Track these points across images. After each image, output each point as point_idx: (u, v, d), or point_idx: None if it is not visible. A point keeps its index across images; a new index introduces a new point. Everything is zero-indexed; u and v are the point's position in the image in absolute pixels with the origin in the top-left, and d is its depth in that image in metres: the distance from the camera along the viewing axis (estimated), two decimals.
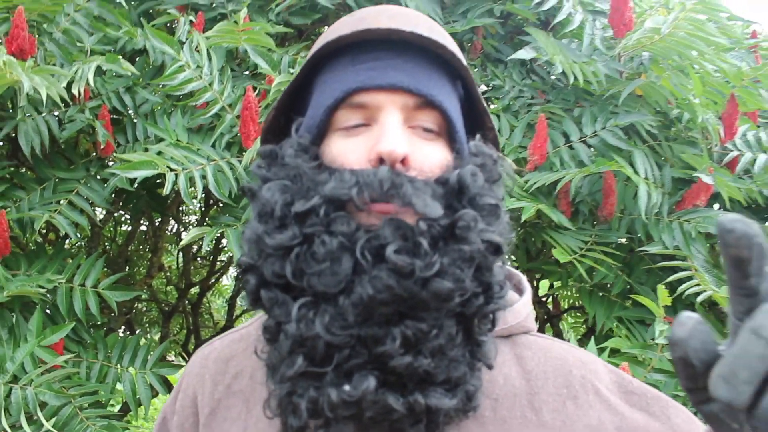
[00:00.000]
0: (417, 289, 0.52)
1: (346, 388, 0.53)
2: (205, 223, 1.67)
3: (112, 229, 3.10)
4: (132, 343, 1.62)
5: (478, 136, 0.64)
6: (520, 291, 0.72)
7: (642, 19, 1.66)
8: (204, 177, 1.37)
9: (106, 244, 3.09)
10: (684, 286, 1.39)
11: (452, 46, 0.63)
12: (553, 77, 1.74)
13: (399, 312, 0.54)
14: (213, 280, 3.76)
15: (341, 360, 0.54)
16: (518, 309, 0.67)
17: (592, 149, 1.57)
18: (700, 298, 1.37)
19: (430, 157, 0.59)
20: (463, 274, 0.54)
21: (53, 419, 1.37)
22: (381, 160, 0.57)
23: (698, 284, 1.41)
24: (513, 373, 0.65)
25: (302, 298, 0.55)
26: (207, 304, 4.86)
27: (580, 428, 0.62)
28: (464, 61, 0.63)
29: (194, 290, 3.72)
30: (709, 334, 0.39)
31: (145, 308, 4.03)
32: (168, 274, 4.16)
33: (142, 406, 1.62)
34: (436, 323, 0.54)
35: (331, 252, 0.53)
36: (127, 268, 3.30)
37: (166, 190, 1.29)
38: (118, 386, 1.58)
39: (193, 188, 1.39)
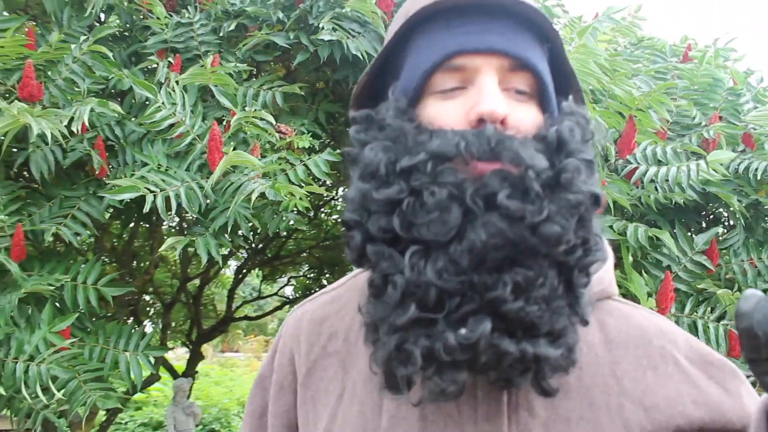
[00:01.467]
0: (528, 234, 0.54)
1: (462, 331, 0.55)
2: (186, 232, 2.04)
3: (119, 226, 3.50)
4: (126, 330, 2.01)
5: (570, 96, 0.66)
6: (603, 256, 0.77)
7: None
8: (178, 196, 1.75)
9: (114, 241, 3.50)
10: None
11: (542, 10, 0.66)
12: None
13: (509, 259, 0.55)
14: (213, 273, 4.17)
15: (453, 307, 0.55)
16: (601, 275, 0.69)
17: None
18: None
19: (525, 118, 0.61)
20: (568, 222, 0.56)
21: (62, 390, 1.77)
22: (481, 121, 0.59)
23: None
24: (596, 340, 0.67)
25: (412, 247, 0.57)
26: (211, 296, 5.28)
27: (660, 399, 0.65)
28: (554, 26, 0.66)
29: (195, 282, 4.13)
30: None
31: (151, 300, 4.46)
32: (173, 267, 4.58)
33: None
34: (542, 272, 0.56)
35: (440, 201, 0.55)
36: (134, 262, 3.71)
37: (146, 209, 1.67)
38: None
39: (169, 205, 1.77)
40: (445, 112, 0.62)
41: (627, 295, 1.88)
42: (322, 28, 1.97)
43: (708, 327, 1.94)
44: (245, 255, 4.40)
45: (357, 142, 0.64)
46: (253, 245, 3.89)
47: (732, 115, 2.26)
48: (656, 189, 1.97)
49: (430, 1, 0.63)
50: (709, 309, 1.98)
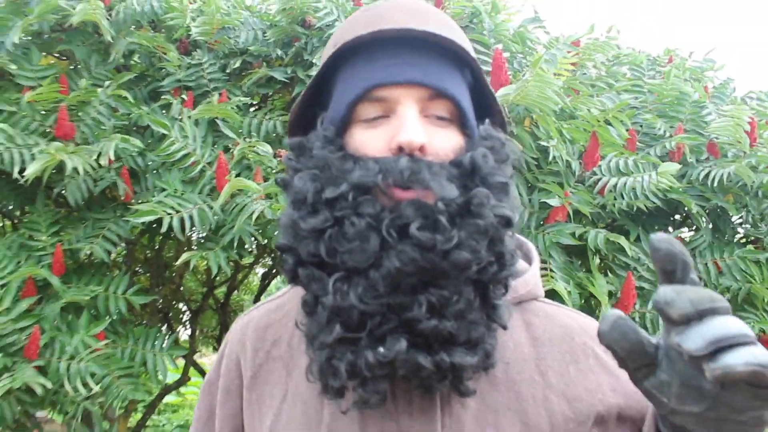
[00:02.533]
0: (438, 261, 0.61)
1: (381, 350, 0.62)
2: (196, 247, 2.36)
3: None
4: (153, 333, 2.34)
5: (487, 120, 0.72)
6: (529, 260, 0.83)
7: (517, 78, 2.25)
8: (191, 217, 2.07)
9: (147, 252, 3.86)
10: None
11: (460, 38, 0.72)
12: None
13: (423, 281, 0.62)
14: (239, 280, 4.50)
15: (374, 326, 0.62)
16: (527, 278, 0.78)
17: None
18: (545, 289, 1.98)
19: (444, 143, 0.68)
20: (479, 245, 0.63)
21: (99, 384, 2.10)
22: (401, 149, 0.65)
23: (547, 281, 2.02)
24: (522, 339, 0.75)
25: (336, 273, 0.63)
26: (240, 302, 5.63)
27: (581, 390, 0.73)
28: (472, 53, 0.72)
29: (223, 289, 4.47)
30: (628, 326, 0.51)
31: (183, 307, 4.82)
32: (202, 275, 4.93)
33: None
34: (457, 290, 0.63)
35: (360, 231, 0.62)
36: (167, 272, 4.07)
37: (164, 229, 2.00)
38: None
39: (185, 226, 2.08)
40: (370, 140, 0.68)
41: (590, 295, 2.13)
42: (315, 63, 2.27)
43: None
44: (271, 262, 4.74)
45: (289, 169, 0.71)
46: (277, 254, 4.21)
47: (697, 126, 2.48)
48: (621, 196, 2.20)
49: (351, 36, 0.69)
50: None
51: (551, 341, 0.75)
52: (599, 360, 0.74)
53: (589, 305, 2.22)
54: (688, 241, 2.40)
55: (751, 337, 0.47)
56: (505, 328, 0.69)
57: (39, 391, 1.94)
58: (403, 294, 0.62)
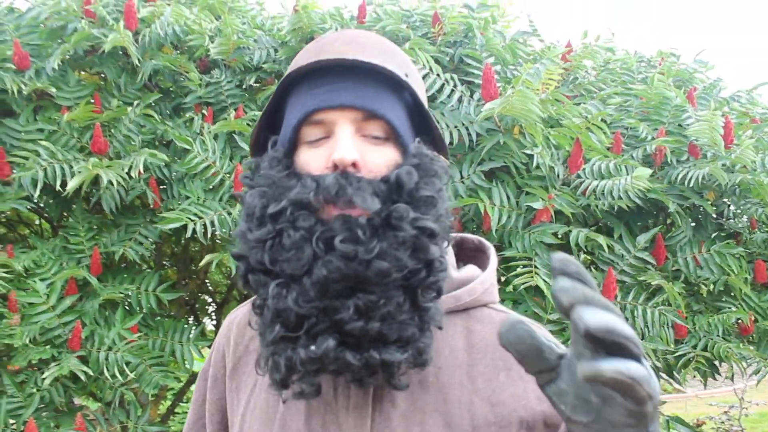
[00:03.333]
0: (362, 269, 0.68)
1: (312, 348, 0.69)
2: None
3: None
4: (180, 326, 2.62)
5: (417, 139, 0.79)
6: (484, 266, 0.89)
7: (506, 90, 2.47)
8: (213, 223, 2.34)
9: (174, 246, 4.15)
10: (519, 280, 2.24)
11: (394, 64, 0.79)
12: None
13: (351, 287, 0.69)
14: None
15: (309, 327, 0.70)
16: (474, 286, 0.84)
17: (467, 186, 2.42)
18: (523, 286, 2.22)
19: (378, 159, 0.75)
20: (400, 255, 0.69)
21: (133, 372, 2.39)
22: (336, 166, 0.73)
23: (531, 276, 2.25)
24: (459, 345, 0.81)
25: (276, 279, 0.71)
26: None
27: (506, 396, 0.78)
28: (405, 76, 0.80)
29: None
30: (525, 331, 0.55)
31: (209, 299, 5.12)
32: (227, 269, 5.22)
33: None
34: (384, 295, 0.70)
35: (295, 243, 0.70)
36: (192, 266, 4.35)
37: (188, 234, 2.27)
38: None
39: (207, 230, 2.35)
40: (313, 159, 0.76)
41: None
42: None
43: (646, 311, 2.40)
44: None
45: (244, 186, 0.79)
46: None
47: (678, 129, 2.68)
48: (603, 197, 2.41)
49: (294, 67, 0.79)
50: (646, 297, 2.44)
51: (486, 348, 0.81)
52: None
53: None
54: (666, 238, 2.61)
55: (637, 350, 0.50)
56: (439, 328, 0.76)
57: (82, 377, 2.23)
58: (333, 298, 0.70)
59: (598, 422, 0.55)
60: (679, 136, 2.66)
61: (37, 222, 2.93)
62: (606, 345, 0.50)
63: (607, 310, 0.50)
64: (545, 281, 2.25)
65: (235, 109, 2.57)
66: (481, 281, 0.85)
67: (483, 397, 0.78)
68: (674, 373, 2.55)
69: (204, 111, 2.59)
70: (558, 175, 2.44)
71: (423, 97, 0.84)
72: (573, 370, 0.54)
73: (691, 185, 2.47)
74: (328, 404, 0.79)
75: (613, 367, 0.49)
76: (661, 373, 2.56)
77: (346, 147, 0.74)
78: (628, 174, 2.43)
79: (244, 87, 2.70)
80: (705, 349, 2.49)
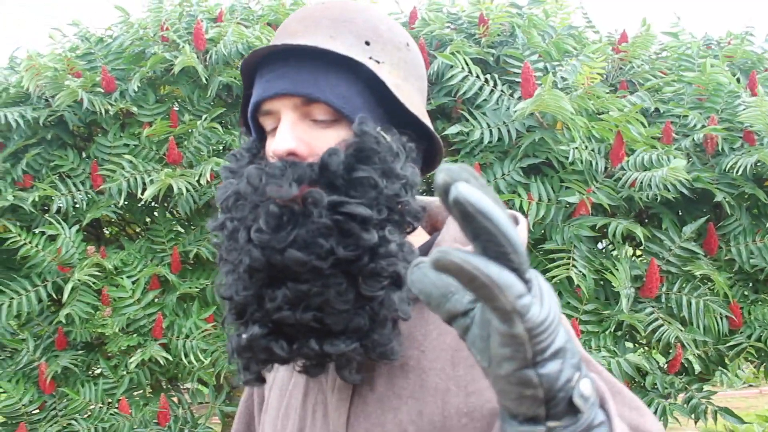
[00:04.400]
0: (278, 258, 0.68)
1: (244, 336, 0.72)
2: None
3: None
4: None
5: (360, 116, 0.75)
6: None
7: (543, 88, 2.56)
8: None
9: None
10: (554, 272, 2.34)
11: (349, 35, 0.78)
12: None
13: (281, 276, 0.69)
14: None
15: (249, 314, 0.72)
16: None
17: (507, 182, 2.53)
18: (557, 278, 2.32)
19: (326, 143, 0.74)
20: (321, 241, 0.68)
21: (209, 358, 2.70)
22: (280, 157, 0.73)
23: (567, 269, 2.35)
24: (448, 329, 0.73)
25: (225, 267, 0.75)
26: None
27: (484, 386, 0.72)
28: (366, 44, 0.78)
29: None
30: (428, 270, 0.48)
31: None
32: None
33: None
34: (318, 283, 0.69)
35: (231, 232, 0.73)
36: None
37: None
38: None
39: None
40: (269, 148, 0.78)
41: (607, 280, 2.42)
42: None
43: (690, 302, 2.43)
44: None
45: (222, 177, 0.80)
46: None
47: (731, 116, 2.66)
48: (650, 188, 2.45)
49: (247, 58, 0.79)
50: (692, 287, 2.46)
51: None
52: None
53: (604, 287, 2.50)
54: (719, 227, 2.60)
55: (517, 258, 0.45)
56: (404, 318, 0.73)
57: (162, 362, 2.57)
58: (264, 287, 0.70)
59: (490, 363, 0.50)
60: (732, 123, 2.64)
61: (126, 226, 3.32)
62: (481, 239, 0.45)
63: (496, 203, 0.45)
64: (582, 273, 2.35)
65: None
66: None
67: (460, 385, 0.74)
68: (727, 363, 2.56)
69: None
70: (598, 169, 2.51)
71: (395, 63, 0.81)
72: (484, 313, 0.49)
73: (739, 173, 2.46)
74: (320, 384, 0.82)
75: (465, 255, 0.44)
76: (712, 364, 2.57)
77: (280, 137, 0.74)
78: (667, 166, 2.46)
79: None
80: (759, 340, 2.48)
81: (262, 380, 0.78)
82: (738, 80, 3.01)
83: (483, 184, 0.46)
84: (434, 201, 0.90)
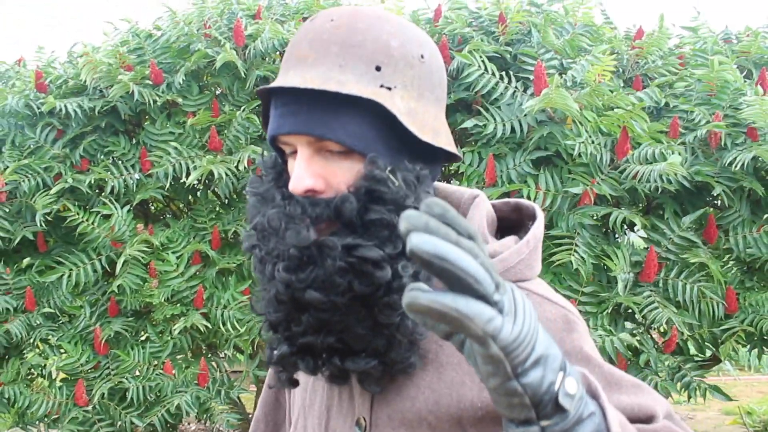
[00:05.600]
0: (300, 295, 0.75)
1: (276, 351, 0.81)
2: None
3: None
4: None
5: (370, 156, 0.77)
6: (522, 236, 0.87)
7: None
8: None
9: None
10: (557, 256, 2.58)
11: (360, 63, 0.78)
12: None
13: (306, 305, 0.76)
14: None
15: (281, 331, 0.80)
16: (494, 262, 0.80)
17: (518, 173, 2.77)
18: (558, 262, 2.56)
19: (343, 176, 0.79)
20: (340, 281, 0.74)
21: (244, 327, 3.02)
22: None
23: (569, 254, 2.58)
24: None
25: (260, 284, 0.82)
26: None
27: None
28: (377, 69, 0.79)
29: None
30: (418, 293, 0.50)
31: None
32: None
33: None
34: (337, 313, 0.76)
35: (260, 259, 0.81)
36: None
37: None
38: None
39: None
40: (291, 169, 0.81)
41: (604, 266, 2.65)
42: None
43: (686, 287, 2.65)
44: None
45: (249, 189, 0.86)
46: None
47: (735, 112, 2.84)
48: (647, 181, 2.66)
49: (267, 86, 0.82)
50: (688, 273, 2.68)
51: None
52: None
53: (606, 271, 2.73)
54: (719, 218, 2.80)
55: (481, 287, 0.51)
56: (412, 342, 0.79)
57: (203, 330, 2.90)
58: (292, 311, 0.78)
59: (480, 378, 0.57)
60: (737, 120, 2.82)
61: (171, 206, 3.65)
62: (444, 278, 0.50)
63: (456, 245, 0.50)
64: (582, 258, 2.59)
65: None
66: (502, 259, 0.83)
67: (475, 380, 0.79)
68: (719, 345, 2.77)
69: None
70: (603, 162, 2.73)
71: (407, 84, 0.81)
72: None
73: (737, 168, 2.65)
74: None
75: (432, 296, 0.50)
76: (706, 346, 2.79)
77: (298, 176, 0.77)
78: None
79: None
80: (751, 324, 2.69)
81: (295, 383, 0.87)
82: (751, 76, 3.19)
83: (446, 215, 0.51)
84: (455, 192, 0.92)
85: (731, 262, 2.79)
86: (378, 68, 0.79)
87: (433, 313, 0.50)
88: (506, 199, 0.95)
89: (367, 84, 0.78)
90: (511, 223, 0.94)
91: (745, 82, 2.94)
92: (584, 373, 0.64)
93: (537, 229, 0.87)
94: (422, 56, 0.83)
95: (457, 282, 0.50)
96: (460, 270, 0.49)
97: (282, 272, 0.76)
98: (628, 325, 2.76)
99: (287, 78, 0.80)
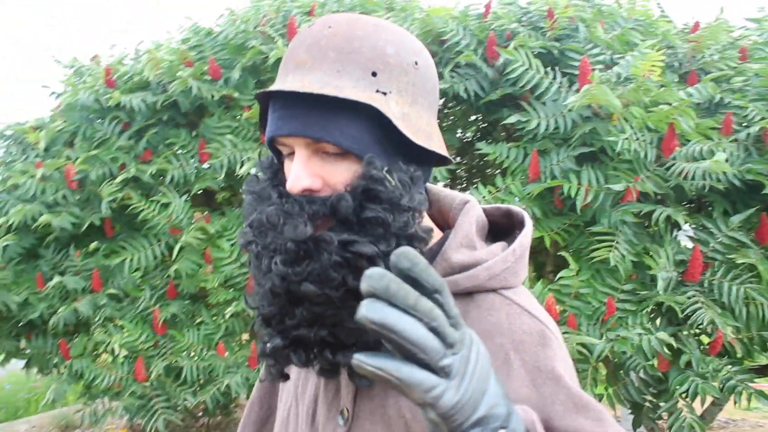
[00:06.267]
0: (295, 288, 0.78)
1: (268, 345, 0.84)
2: None
3: None
4: None
5: (368, 156, 0.80)
6: (507, 245, 0.90)
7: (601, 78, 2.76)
8: None
9: None
10: (596, 253, 2.59)
11: (356, 68, 0.81)
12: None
13: (301, 298, 0.79)
14: None
15: (275, 324, 0.83)
16: (476, 273, 0.85)
17: (561, 168, 2.78)
18: (597, 259, 2.57)
19: (340, 176, 0.81)
20: (334, 275, 0.78)
21: None
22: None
23: (609, 250, 2.58)
24: None
25: (255, 279, 0.84)
26: None
27: None
28: (373, 75, 0.81)
29: None
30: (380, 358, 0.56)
31: None
32: None
33: None
34: (330, 307, 0.79)
35: (257, 255, 0.83)
36: None
37: None
38: None
39: None
40: (288, 170, 0.84)
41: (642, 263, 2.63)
42: (445, 75, 3.03)
43: (731, 288, 2.60)
44: None
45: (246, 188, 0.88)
46: None
47: None
48: (693, 179, 2.63)
49: (267, 89, 0.83)
50: (735, 275, 2.62)
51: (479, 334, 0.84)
52: (507, 364, 0.81)
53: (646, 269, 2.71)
54: None
55: (427, 357, 0.56)
56: None
57: (253, 314, 3.05)
58: (286, 305, 0.80)
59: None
60: None
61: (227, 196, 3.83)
62: (392, 346, 0.55)
63: (412, 309, 0.55)
64: (622, 255, 2.58)
65: None
66: (487, 267, 0.86)
67: None
68: None
69: None
70: (648, 158, 2.71)
71: (402, 89, 0.84)
72: None
73: None
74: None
75: (378, 362, 0.55)
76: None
77: (295, 176, 0.80)
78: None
79: None
80: None
81: (285, 377, 0.90)
82: None
83: (413, 269, 0.56)
84: (447, 196, 0.96)
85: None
86: (374, 74, 0.82)
87: (378, 377, 0.55)
88: (497, 205, 0.99)
89: (364, 89, 0.80)
90: (504, 227, 0.97)
91: None
92: (532, 422, 0.69)
93: (524, 238, 0.90)
94: (416, 63, 0.86)
95: (403, 350, 0.55)
96: (406, 341, 0.54)
97: (279, 265, 0.78)
98: (670, 326, 2.73)
99: (286, 82, 0.82)
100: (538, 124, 2.79)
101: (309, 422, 0.96)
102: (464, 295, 0.86)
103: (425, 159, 0.88)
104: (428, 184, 0.96)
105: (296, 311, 0.79)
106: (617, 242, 2.64)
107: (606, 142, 2.71)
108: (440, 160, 0.92)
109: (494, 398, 0.62)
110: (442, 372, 0.57)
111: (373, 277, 0.55)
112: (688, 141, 2.72)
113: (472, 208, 0.92)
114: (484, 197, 2.79)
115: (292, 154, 0.83)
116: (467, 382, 0.59)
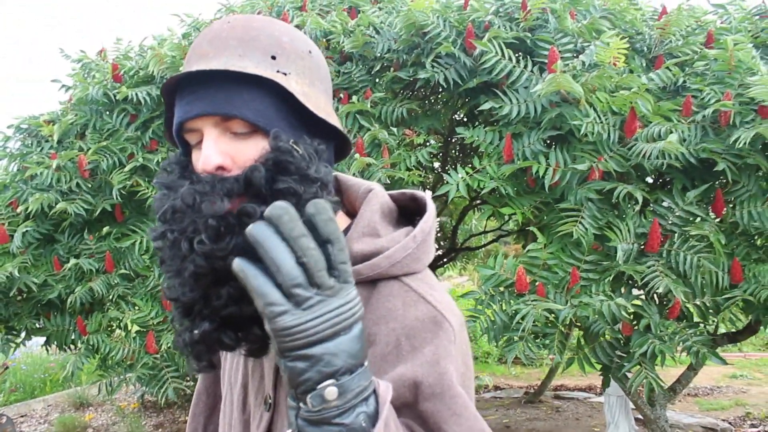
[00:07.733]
0: (221, 263, 0.78)
1: (195, 331, 0.83)
2: None
3: None
4: None
5: (273, 130, 0.83)
6: (409, 232, 0.94)
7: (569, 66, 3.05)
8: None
9: None
10: (562, 227, 2.90)
11: (257, 52, 0.86)
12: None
13: (224, 276, 0.79)
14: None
15: (197, 312, 0.83)
16: (377, 262, 0.89)
17: (531, 150, 3.09)
18: (564, 232, 2.88)
19: (248, 154, 0.83)
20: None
21: None
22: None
23: (574, 225, 2.89)
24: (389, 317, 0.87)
25: (168, 272, 0.84)
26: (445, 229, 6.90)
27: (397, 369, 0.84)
28: (272, 58, 0.86)
29: None
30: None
31: None
32: None
33: None
34: None
35: (172, 242, 0.81)
36: None
37: None
38: None
39: None
40: (196, 160, 0.87)
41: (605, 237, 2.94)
42: (427, 65, 3.33)
43: (687, 257, 2.91)
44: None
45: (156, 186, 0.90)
46: None
47: (746, 91, 3.04)
48: (651, 158, 2.93)
49: (169, 81, 0.88)
50: (690, 246, 2.93)
51: (378, 320, 0.87)
52: (398, 348, 0.85)
53: (605, 241, 3.02)
54: (726, 192, 3.03)
55: (281, 277, 0.64)
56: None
57: None
58: (209, 287, 0.81)
59: None
60: (746, 99, 3.02)
61: None
62: (263, 261, 0.64)
63: (289, 240, 0.63)
64: (585, 229, 2.90)
65: (365, 92, 3.50)
66: (387, 255, 0.89)
67: (396, 360, 0.85)
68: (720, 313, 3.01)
69: (341, 95, 3.57)
70: (611, 140, 3.01)
71: (300, 72, 0.89)
72: None
73: (741, 145, 2.87)
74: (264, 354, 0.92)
75: (243, 265, 0.65)
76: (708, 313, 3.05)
77: (206, 155, 0.83)
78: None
79: (372, 73, 3.61)
80: (752, 294, 2.92)
81: (213, 367, 0.89)
82: None
83: (317, 217, 0.65)
84: (354, 184, 1.01)
85: (740, 237, 3.01)
86: (273, 57, 0.87)
87: (239, 278, 0.65)
88: (403, 191, 1.03)
89: (265, 69, 0.86)
90: (415, 211, 1.02)
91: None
92: (382, 391, 0.72)
93: (425, 223, 0.94)
94: (310, 51, 0.93)
95: (268, 267, 0.64)
96: (268, 259, 0.64)
97: (201, 245, 0.78)
98: (635, 292, 3.05)
99: (190, 69, 0.86)
100: (510, 110, 3.10)
101: (240, 409, 1.02)
102: (368, 283, 0.90)
103: (327, 135, 0.94)
104: (337, 173, 1.02)
105: (222, 291, 0.81)
106: (582, 217, 2.95)
107: (572, 126, 3.02)
108: (341, 141, 0.98)
109: (347, 356, 0.67)
110: (291, 297, 0.64)
111: (276, 206, 0.64)
112: (650, 123, 3.02)
113: (375, 196, 0.96)
114: (462, 178, 3.10)
115: (200, 143, 0.87)
116: (314, 320, 0.65)
